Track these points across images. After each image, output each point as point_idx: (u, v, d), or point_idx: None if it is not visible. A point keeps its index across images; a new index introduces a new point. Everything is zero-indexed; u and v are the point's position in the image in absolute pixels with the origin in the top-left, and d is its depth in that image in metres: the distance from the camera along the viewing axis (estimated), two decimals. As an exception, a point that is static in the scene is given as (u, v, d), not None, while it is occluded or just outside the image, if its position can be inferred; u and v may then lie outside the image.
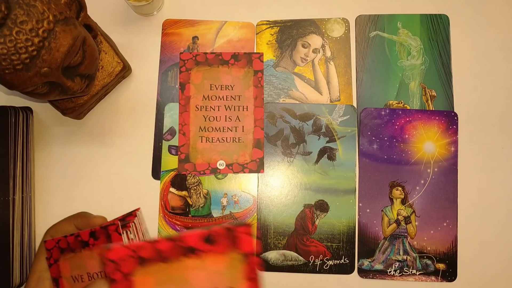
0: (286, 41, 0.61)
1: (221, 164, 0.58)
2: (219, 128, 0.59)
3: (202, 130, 0.59)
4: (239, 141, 0.59)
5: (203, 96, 0.59)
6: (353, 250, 0.57)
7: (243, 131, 0.59)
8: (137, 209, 0.44)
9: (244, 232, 0.32)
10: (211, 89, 0.59)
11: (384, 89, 0.60)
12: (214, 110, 0.59)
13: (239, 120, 0.59)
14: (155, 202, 0.58)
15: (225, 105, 0.59)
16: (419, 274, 0.56)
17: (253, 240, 0.33)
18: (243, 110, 0.59)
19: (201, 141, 0.59)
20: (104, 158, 0.59)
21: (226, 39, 0.61)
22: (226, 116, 0.59)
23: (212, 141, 0.59)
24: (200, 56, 0.60)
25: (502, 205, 0.58)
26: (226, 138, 0.59)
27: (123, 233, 0.39)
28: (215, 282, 0.33)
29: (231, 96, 0.59)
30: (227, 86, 0.59)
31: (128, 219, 0.43)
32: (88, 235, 0.40)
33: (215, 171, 0.58)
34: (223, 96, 0.59)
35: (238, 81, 0.60)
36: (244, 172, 0.58)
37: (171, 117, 0.59)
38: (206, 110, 0.59)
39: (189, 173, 0.58)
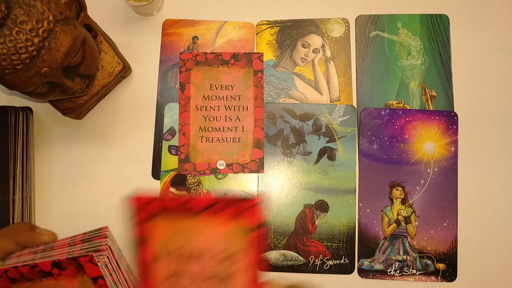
0: (286, 41, 0.61)
1: (221, 164, 0.58)
2: (219, 128, 0.59)
3: (202, 130, 0.59)
4: (239, 141, 0.59)
5: (203, 96, 0.59)
6: (353, 250, 0.57)
7: (243, 131, 0.59)
8: (105, 228, 0.41)
9: (248, 207, 0.34)
10: (211, 89, 0.59)
11: (384, 89, 0.60)
12: (214, 110, 0.59)
13: (239, 120, 0.59)
14: (155, 202, 0.58)
15: (225, 105, 0.59)
16: (419, 274, 0.56)
17: (258, 214, 0.34)
18: (243, 110, 0.59)
19: (201, 141, 0.59)
20: (104, 158, 0.59)
21: (226, 39, 0.61)
22: (226, 116, 0.59)
23: (212, 141, 0.59)
24: (200, 56, 0.60)
25: (502, 205, 0.58)
26: (226, 138, 0.59)
27: (99, 262, 0.36)
28: (220, 245, 0.36)
29: (231, 96, 0.59)
30: (227, 86, 0.59)
31: (96, 241, 0.39)
32: (50, 265, 0.36)
33: (215, 171, 0.58)
34: (223, 96, 0.59)
35: (238, 81, 0.60)
36: (244, 172, 0.58)
37: (171, 117, 0.59)
38: (206, 110, 0.59)
39: (189, 173, 0.58)
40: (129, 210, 0.35)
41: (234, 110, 0.59)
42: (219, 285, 0.36)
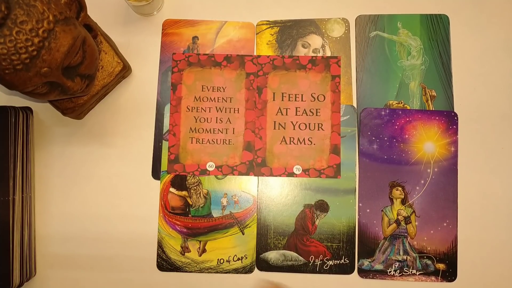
0: (286, 41, 0.61)
1: (210, 166, 0.58)
2: (210, 129, 0.59)
3: (192, 131, 0.59)
4: (229, 143, 0.58)
5: (195, 97, 0.59)
6: (353, 250, 0.57)
7: (233, 133, 0.59)
8: None
9: (334, 62, 0.56)
10: (202, 90, 0.59)
11: (384, 89, 0.60)
12: (205, 111, 0.59)
13: (230, 122, 0.59)
14: (155, 202, 0.58)
15: (216, 107, 0.59)
16: (419, 274, 0.56)
17: (339, 68, 0.57)
18: (234, 112, 0.59)
19: (191, 142, 0.59)
20: (104, 158, 0.59)
21: (226, 39, 0.61)
22: (217, 117, 0.59)
23: (202, 142, 0.58)
24: (192, 57, 0.60)
25: (502, 205, 0.58)
26: (217, 139, 0.58)
27: None
28: (313, 89, 0.57)
29: (222, 98, 0.59)
30: (219, 88, 0.59)
31: None
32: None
33: (204, 172, 0.58)
34: (214, 98, 0.59)
35: (230, 83, 0.60)
36: (234, 174, 0.58)
37: (171, 117, 0.59)
38: (197, 111, 0.59)
39: (177, 174, 0.58)
40: None
41: (225, 112, 0.59)
42: (310, 116, 0.56)
